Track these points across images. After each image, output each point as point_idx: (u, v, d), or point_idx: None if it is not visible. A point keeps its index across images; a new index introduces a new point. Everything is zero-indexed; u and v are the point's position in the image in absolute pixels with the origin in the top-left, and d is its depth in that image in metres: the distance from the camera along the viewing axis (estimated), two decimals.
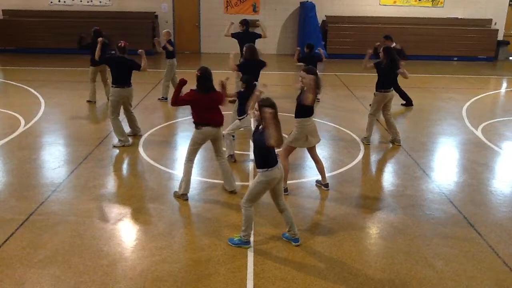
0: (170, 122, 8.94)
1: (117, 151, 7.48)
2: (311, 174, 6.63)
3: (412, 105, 10.61)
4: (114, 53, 7.86)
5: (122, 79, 7.52)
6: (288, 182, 6.27)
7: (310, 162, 7.07)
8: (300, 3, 17.47)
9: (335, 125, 8.91)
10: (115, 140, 7.65)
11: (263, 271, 4.39)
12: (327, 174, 6.61)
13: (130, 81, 7.63)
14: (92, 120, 9.18)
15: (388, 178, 6.79)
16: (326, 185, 6.21)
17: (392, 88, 7.93)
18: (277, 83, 12.81)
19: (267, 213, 5.46)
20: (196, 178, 6.30)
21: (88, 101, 10.30)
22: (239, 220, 5.20)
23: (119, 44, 7.49)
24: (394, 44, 9.99)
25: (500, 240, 5.04)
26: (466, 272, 4.47)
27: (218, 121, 5.73)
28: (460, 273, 4.46)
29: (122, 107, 7.78)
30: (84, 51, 10.00)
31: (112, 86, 7.54)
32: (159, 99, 10.58)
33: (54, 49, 16.85)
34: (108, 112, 7.61)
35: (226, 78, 5.98)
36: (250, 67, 7.68)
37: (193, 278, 4.29)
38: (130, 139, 7.78)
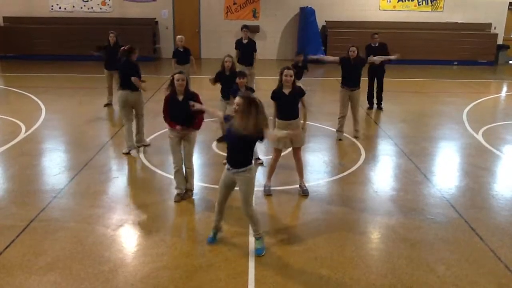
0: None
1: (117, 157, 7.49)
2: (312, 179, 6.62)
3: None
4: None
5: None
6: (290, 187, 6.32)
7: (311, 167, 7.08)
8: (300, 8, 17.52)
9: (335, 130, 8.88)
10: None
11: (264, 277, 4.38)
12: (328, 179, 6.62)
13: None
14: (93, 126, 9.18)
15: (389, 182, 6.78)
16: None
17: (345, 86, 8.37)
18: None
19: (268, 220, 5.45)
20: (197, 183, 6.29)
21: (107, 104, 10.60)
22: (240, 225, 5.20)
23: (122, 48, 7.65)
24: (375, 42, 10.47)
25: (502, 245, 5.03)
26: (468, 277, 4.45)
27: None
28: (462, 278, 4.44)
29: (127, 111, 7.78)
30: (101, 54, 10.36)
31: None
32: None
33: (55, 56, 16.89)
34: (143, 113, 7.86)
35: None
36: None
37: (194, 284, 4.27)
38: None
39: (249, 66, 10.69)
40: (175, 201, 5.88)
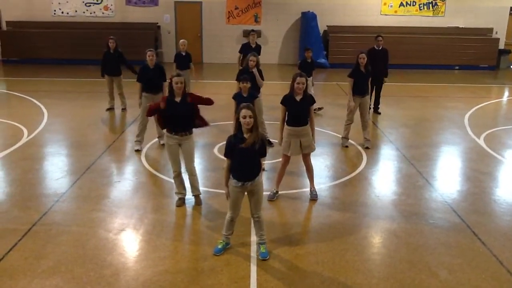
0: None
1: (119, 161, 7.50)
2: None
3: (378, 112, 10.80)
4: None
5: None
6: (291, 191, 6.31)
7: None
8: (302, 13, 17.58)
9: (337, 134, 8.91)
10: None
11: (266, 281, 4.38)
12: (329, 183, 6.62)
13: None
14: (95, 130, 9.21)
15: (391, 187, 6.77)
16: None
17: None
18: (277, 93, 12.81)
19: (270, 224, 5.45)
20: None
21: (123, 109, 10.70)
22: (241, 229, 5.20)
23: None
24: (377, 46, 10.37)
25: (504, 249, 5.02)
26: (470, 281, 4.45)
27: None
28: (464, 282, 4.44)
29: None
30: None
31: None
32: None
33: (57, 60, 16.97)
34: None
35: None
36: None
37: None
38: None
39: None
40: (177, 206, 5.89)
